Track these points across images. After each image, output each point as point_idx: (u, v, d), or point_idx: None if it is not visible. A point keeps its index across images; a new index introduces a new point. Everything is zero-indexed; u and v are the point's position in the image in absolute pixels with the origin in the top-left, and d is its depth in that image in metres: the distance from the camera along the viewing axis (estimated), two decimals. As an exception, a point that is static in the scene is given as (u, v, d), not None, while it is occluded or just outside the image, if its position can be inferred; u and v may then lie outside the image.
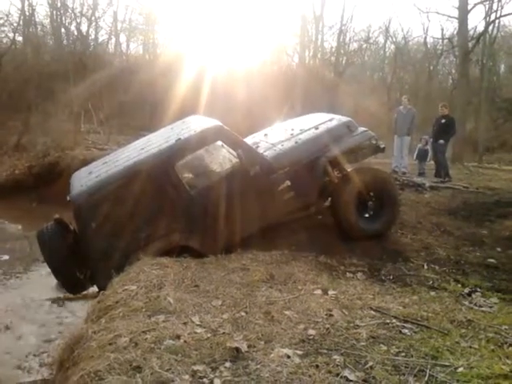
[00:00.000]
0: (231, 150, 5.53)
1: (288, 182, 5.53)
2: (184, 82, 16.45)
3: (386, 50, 31.30)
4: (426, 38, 28.20)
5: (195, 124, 5.92)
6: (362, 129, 6.25)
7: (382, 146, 6.29)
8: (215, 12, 22.79)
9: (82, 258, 5.15)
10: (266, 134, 6.63)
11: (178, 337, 3.00)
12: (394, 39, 30.15)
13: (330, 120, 6.33)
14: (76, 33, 25.40)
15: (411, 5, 44.84)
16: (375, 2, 50.19)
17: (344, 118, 6.38)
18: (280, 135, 6.27)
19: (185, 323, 3.21)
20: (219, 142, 5.72)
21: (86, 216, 4.96)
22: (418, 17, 53.59)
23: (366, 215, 6.00)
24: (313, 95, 20.10)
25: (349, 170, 5.92)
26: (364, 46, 29.81)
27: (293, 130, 6.27)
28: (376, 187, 5.95)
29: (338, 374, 2.64)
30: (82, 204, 4.95)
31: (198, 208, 5.19)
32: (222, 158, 5.84)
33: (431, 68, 28.16)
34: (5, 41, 21.30)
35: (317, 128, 6.09)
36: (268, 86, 18.40)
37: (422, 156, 12.24)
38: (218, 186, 5.27)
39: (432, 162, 11.74)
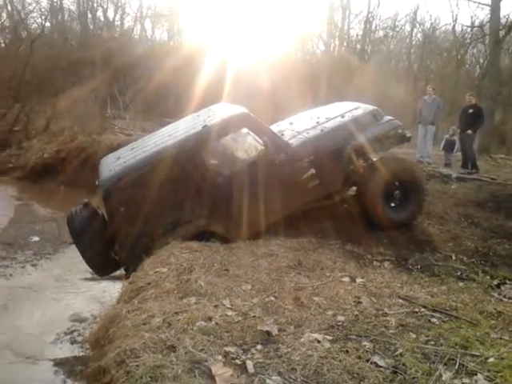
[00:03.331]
0: (257, 138, 5.54)
1: (313, 170, 5.51)
2: (208, 69, 16.46)
3: (413, 37, 30.74)
4: (454, 25, 27.49)
5: (222, 111, 5.93)
6: (388, 117, 6.18)
7: (408, 136, 6.21)
8: (241, -1, 22.69)
9: (110, 241, 5.27)
10: (291, 123, 6.59)
11: (210, 319, 3.07)
12: (422, 27, 29.57)
13: (356, 108, 6.27)
14: (102, 19, 25.60)
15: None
16: (403, -12, 49.07)
17: (370, 107, 6.30)
18: (305, 123, 6.23)
19: (216, 306, 3.28)
20: (245, 129, 5.74)
21: (114, 200, 5.03)
22: (447, 4, 52.19)
23: (392, 205, 5.94)
24: (338, 83, 19.87)
25: (375, 159, 5.89)
26: (390, 33, 29.32)
27: (318, 118, 6.23)
28: (402, 177, 5.89)
29: (367, 360, 2.68)
30: (111, 188, 5.03)
31: (223, 194, 5.21)
32: (247, 145, 5.84)
33: (459, 57, 27.54)
34: (33, 27, 21.63)
35: (343, 116, 6.04)
36: (292, 74, 18.29)
37: (448, 146, 12.04)
38: (244, 173, 5.28)
39: (459, 153, 11.55)
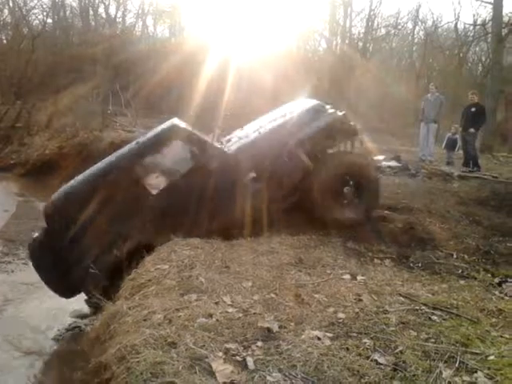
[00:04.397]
0: (189, 148, 5.50)
1: (253, 174, 5.42)
2: (210, 66, 16.46)
3: (415, 35, 30.70)
4: (456, 23, 27.51)
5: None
6: (330, 110, 6.05)
7: (355, 127, 6.05)
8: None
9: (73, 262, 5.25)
10: (242, 128, 6.54)
11: (211, 315, 3.08)
12: (424, 25, 29.53)
13: (301, 105, 6.19)
14: (104, 15, 25.58)
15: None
16: (405, -14, 48.95)
17: (313, 102, 6.22)
18: (253, 127, 6.17)
19: (216, 303, 3.28)
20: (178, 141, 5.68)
21: (59, 221, 5.18)
22: (449, 2, 52.12)
23: (345, 201, 5.74)
24: (340, 81, 19.87)
25: (322, 155, 5.83)
26: (392, 31, 29.28)
27: (265, 120, 6.20)
28: (354, 173, 5.72)
29: (368, 357, 2.68)
30: (55, 208, 5.23)
31: (160, 207, 5.24)
32: (180, 157, 5.75)
33: (461, 55, 27.50)
34: (35, 24, 21.64)
35: (284, 115, 5.97)
36: (294, 71, 18.29)
37: (450, 145, 12.05)
38: (179, 184, 5.33)
39: (461, 152, 11.54)
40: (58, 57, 18.67)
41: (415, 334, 2.99)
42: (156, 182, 5.51)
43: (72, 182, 5.50)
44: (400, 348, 2.79)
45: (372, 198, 5.86)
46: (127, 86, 18.86)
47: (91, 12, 25.98)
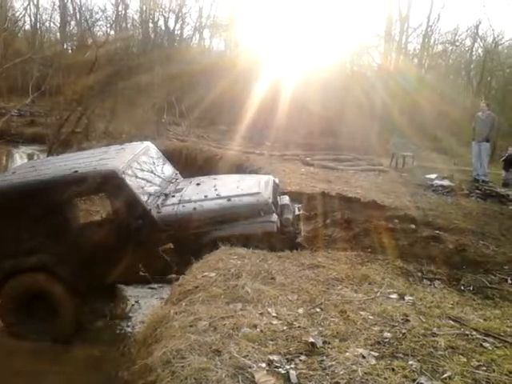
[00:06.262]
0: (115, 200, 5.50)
1: (171, 245, 5.27)
2: (262, 81, 16.67)
3: (473, 53, 29.80)
4: (518, 40, 26.49)
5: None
6: (269, 218, 5.39)
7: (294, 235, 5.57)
8: (296, 11, 22.81)
9: None
10: (198, 184, 6.23)
11: (255, 326, 3.10)
12: (483, 42, 28.62)
13: (248, 195, 5.65)
14: (163, 27, 26.44)
15: (505, 4, 42.24)
16: (465, 1, 47.80)
17: (262, 199, 5.56)
18: (197, 191, 5.89)
19: (261, 313, 3.30)
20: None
21: None
22: (512, 18, 50.36)
23: None
24: (394, 98, 19.55)
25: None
26: (450, 48, 28.58)
27: (210, 190, 5.85)
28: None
29: (414, 380, 2.61)
30: None
31: (75, 241, 5.37)
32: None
33: (523, 73, 26.45)
34: (99, 35, 22.67)
35: (229, 200, 5.53)
36: (347, 88, 18.19)
37: (508, 165, 11.60)
38: (99, 227, 5.54)
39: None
40: (118, 67, 19.43)
41: (465, 360, 2.88)
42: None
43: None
44: (448, 373, 2.69)
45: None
46: (182, 97, 19.36)
47: (151, 24, 26.92)
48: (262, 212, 5.38)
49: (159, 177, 6.19)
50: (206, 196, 5.67)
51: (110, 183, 5.33)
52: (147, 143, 6.74)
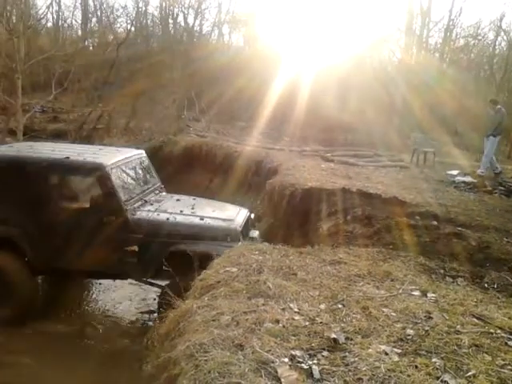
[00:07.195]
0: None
1: (136, 248, 5.51)
2: (281, 76, 16.61)
3: (496, 46, 29.17)
4: (544, 34, 25.87)
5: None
6: (234, 245, 5.15)
7: None
8: (316, 5, 22.61)
9: None
10: (178, 199, 6.53)
11: (277, 321, 3.11)
12: (507, 35, 28.00)
13: (220, 220, 5.91)
14: (183, 24, 26.52)
15: (531, -3, 41.29)
16: (489, -6, 46.78)
17: (232, 226, 5.81)
18: (174, 205, 6.19)
19: (283, 309, 3.31)
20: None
21: None
22: (538, 11, 49.16)
23: None
24: (414, 93, 19.29)
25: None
26: (472, 42, 28.05)
27: (187, 207, 6.14)
28: None
29: (437, 378, 2.59)
30: None
31: (48, 222, 5.61)
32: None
33: (548, 68, 25.80)
34: (119, 31, 22.87)
35: (202, 219, 5.81)
36: (367, 82, 18.01)
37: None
38: (73, 213, 5.64)
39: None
40: (138, 63, 19.60)
41: (490, 358, 2.84)
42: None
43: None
44: (472, 371, 2.67)
45: None
46: (202, 93, 19.42)
47: (170, 21, 27.02)
48: (229, 238, 5.59)
49: (144, 184, 6.51)
50: (181, 211, 5.98)
51: (95, 175, 5.65)
52: (141, 151, 7.07)
